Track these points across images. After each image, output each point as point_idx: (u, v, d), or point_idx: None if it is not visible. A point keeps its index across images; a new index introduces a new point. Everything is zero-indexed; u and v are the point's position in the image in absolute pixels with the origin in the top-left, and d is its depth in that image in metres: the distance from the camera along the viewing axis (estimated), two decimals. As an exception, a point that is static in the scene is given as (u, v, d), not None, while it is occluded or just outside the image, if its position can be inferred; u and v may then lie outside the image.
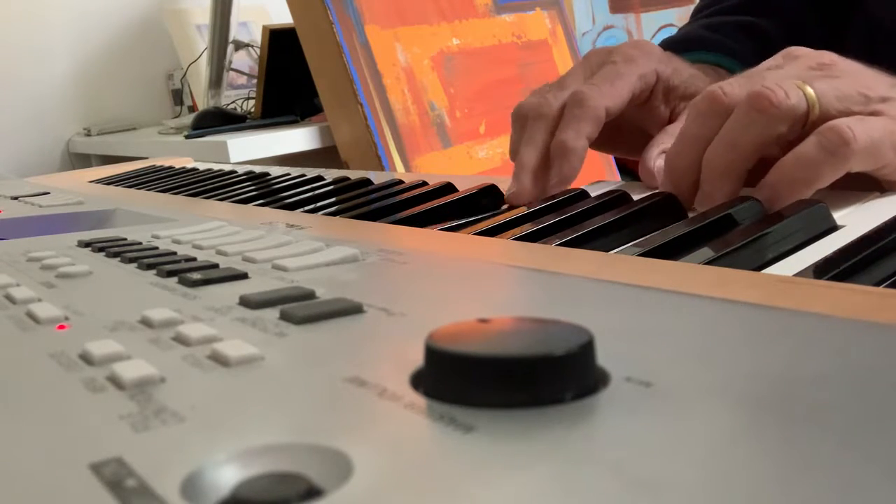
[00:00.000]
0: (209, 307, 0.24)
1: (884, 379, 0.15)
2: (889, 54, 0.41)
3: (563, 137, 0.46)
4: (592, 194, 0.43)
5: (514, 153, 0.49)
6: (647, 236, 0.35)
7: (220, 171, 0.78)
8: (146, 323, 0.22)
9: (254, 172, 0.73)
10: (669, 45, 0.60)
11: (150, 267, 0.30)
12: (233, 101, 1.73)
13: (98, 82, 1.93)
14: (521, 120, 0.49)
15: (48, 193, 0.65)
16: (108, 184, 0.78)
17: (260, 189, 0.63)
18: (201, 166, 0.86)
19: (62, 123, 1.89)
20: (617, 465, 0.12)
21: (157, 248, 0.35)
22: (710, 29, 0.64)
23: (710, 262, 0.29)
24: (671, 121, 0.50)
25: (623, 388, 0.15)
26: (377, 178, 0.60)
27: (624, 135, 0.54)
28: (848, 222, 0.34)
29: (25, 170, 1.66)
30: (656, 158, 0.46)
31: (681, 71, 0.52)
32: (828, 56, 0.40)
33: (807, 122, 0.37)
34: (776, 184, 0.36)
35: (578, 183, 0.47)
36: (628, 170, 1.38)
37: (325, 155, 1.36)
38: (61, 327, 0.23)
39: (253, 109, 1.58)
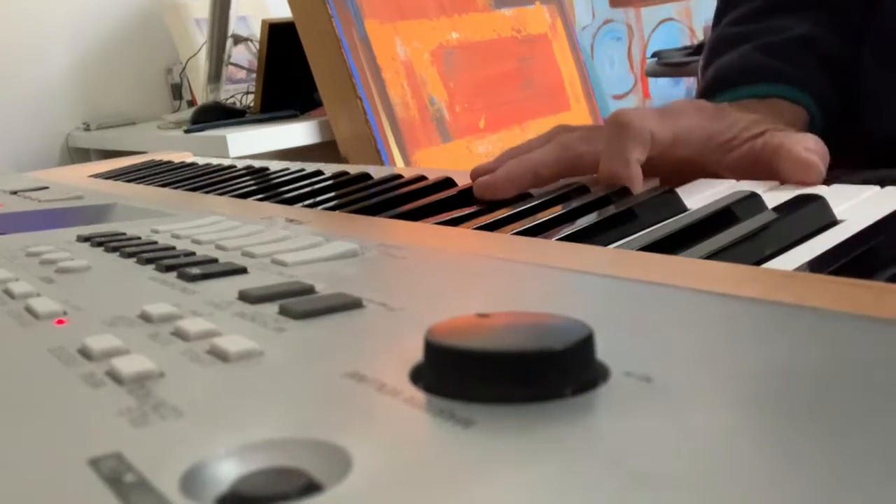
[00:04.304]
0: (208, 302, 0.24)
1: (883, 374, 0.15)
2: None
3: (611, 169, 0.42)
4: (592, 189, 0.43)
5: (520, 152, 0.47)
6: (647, 231, 0.35)
7: (219, 165, 0.78)
8: (145, 318, 0.22)
9: (253, 167, 0.73)
10: (722, 79, 0.55)
11: (149, 262, 0.30)
12: (232, 96, 1.73)
13: (97, 77, 1.93)
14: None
15: (47, 188, 0.65)
16: (108, 178, 0.78)
17: (259, 184, 0.63)
18: (200, 161, 0.86)
19: (61, 118, 1.89)
20: (616, 460, 0.12)
21: (156, 242, 0.35)
22: (767, 54, 0.56)
23: (709, 257, 0.29)
24: (751, 158, 0.45)
25: (623, 383, 0.15)
26: (376, 172, 0.60)
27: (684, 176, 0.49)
28: (848, 217, 0.34)
29: (24, 164, 1.65)
30: (806, 152, 0.42)
31: (737, 122, 0.46)
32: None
33: None
34: None
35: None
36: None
37: (325, 149, 1.36)
38: (60, 322, 0.23)
39: (252, 104, 1.58)
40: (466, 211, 0.43)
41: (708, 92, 0.56)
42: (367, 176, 0.59)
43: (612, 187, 0.42)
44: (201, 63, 1.73)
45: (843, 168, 0.44)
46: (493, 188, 0.45)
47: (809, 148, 0.42)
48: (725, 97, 0.53)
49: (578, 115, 1.56)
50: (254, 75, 1.66)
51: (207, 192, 0.61)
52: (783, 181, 0.42)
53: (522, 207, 0.41)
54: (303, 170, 0.66)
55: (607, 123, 0.44)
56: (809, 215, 0.34)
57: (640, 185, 0.42)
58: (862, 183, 0.39)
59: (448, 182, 0.51)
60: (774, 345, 0.17)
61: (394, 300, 0.23)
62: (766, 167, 0.43)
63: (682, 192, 0.40)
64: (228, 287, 0.25)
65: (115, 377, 0.18)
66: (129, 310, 0.23)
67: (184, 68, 1.84)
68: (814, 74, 0.55)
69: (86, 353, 0.19)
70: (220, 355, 0.19)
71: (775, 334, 0.18)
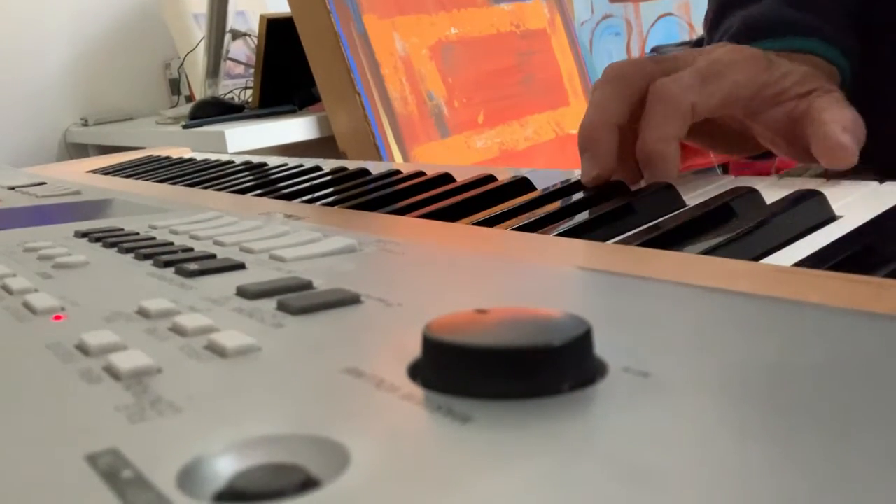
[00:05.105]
0: (206, 297, 0.24)
1: (881, 369, 0.15)
2: None
3: (648, 144, 0.40)
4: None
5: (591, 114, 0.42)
6: (646, 226, 0.35)
7: (217, 161, 0.78)
8: (143, 313, 0.22)
9: (251, 162, 0.73)
10: (752, 28, 0.51)
11: (147, 257, 0.30)
12: (230, 91, 1.73)
13: (95, 72, 1.92)
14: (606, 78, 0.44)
15: (45, 183, 0.65)
16: (106, 174, 0.78)
17: (257, 179, 0.63)
18: (199, 156, 0.86)
19: (59, 113, 1.89)
20: (614, 456, 0.12)
21: (154, 238, 0.35)
22: (796, 7, 0.52)
23: (708, 252, 0.29)
24: (792, 118, 0.42)
25: (621, 379, 0.15)
26: (375, 168, 0.60)
27: (725, 133, 0.47)
28: (846, 212, 0.34)
29: (22, 160, 1.65)
30: (843, 134, 0.39)
31: (789, 74, 0.43)
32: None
33: None
34: None
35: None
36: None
37: (323, 145, 1.35)
38: (58, 318, 0.23)
39: (251, 99, 1.58)
40: (465, 206, 0.43)
41: (736, 41, 0.51)
42: (365, 171, 0.59)
43: (647, 164, 0.40)
44: (199, 58, 1.73)
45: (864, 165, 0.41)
46: (590, 177, 0.42)
47: (847, 128, 0.39)
48: (756, 48, 0.49)
49: (577, 110, 1.56)
50: (252, 70, 1.65)
51: (206, 188, 0.60)
52: (814, 157, 0.40)
53: (521, 202, 0.41)
54: (301, 165, 0.66)
55: (649, 95, 0.41)
56: (808, 211, 0.34)
57: (676, 164, 0.40)
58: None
59: (447, 177, 0.51)
60: (773, 340, 0.17)
61: (392, 296, 0.23)
62: (802, 133, 0.41)
63: (680, 187, 0.39)
64: (226, 283, 0.25)
65: (112, 373, 0.17)
66: (127, 305, 0.23)
67: (182, 63, 1.84)
68: (844, 32, 0.51)
69: (83, 349, 0.19)
70: (218, 351, 0.19)
71: (774, 330, 0.18)
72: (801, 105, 0.42)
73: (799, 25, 0.51)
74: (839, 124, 0.39)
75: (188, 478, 0.13)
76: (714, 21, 0.58)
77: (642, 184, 0.42)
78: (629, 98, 0.42)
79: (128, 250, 0.32)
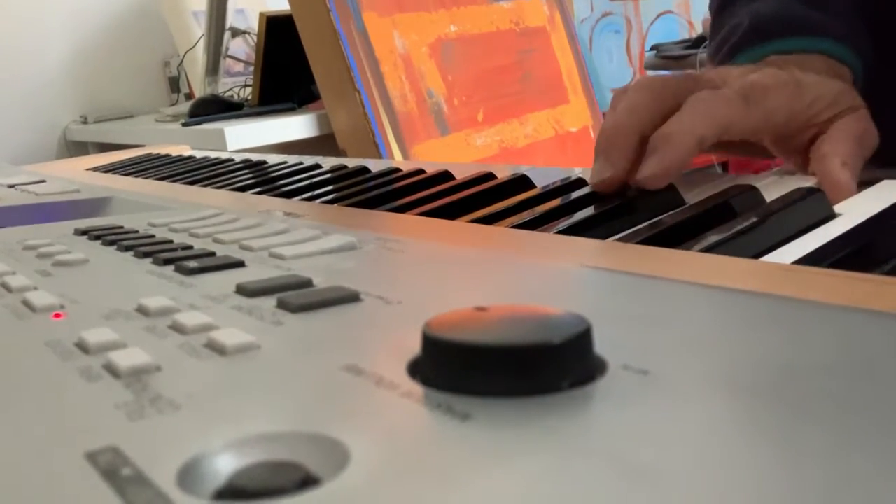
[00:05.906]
0: (205, 295, 0.24)
1: (882, 367, 0.15)
2: None
3: (669, 127, 0.38)
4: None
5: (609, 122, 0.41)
6: (646, 224, 0.35)
7: (217, 158, 0.78)
8: (142, 311, 0.22)
9: (251, 160, 0.73)
10: (763, 30, 0.50)
11: (146, 255, 0.30)
12: (230, 89, 1.73)
13: (95, 70, 1.92)
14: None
15: (44, 181, 0.65)
16: (105, 172, 0.78)
17: (257, 177, 0.63)
18: (198, 154, 0.86)
19: (59, 111, 1.89)
20: (614, 454, 0.12)
21: (153, 236, 0.35)
22: (806, 4, 0.51)
23: (708, 250, 0.29)
24: (809, 143, 0.41)
25: (620, 377, 0.15)
26: (375, 165, 0.60)
27: (736, 144, 0.45)
28: (846, 210, 0.34)
29: (22, 158, 1.65)
30: (841, 170, 0.38)
31: (818, 100, 0.42)
32: None
33: None
34: None
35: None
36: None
37: (323, 142, 1.35)
38: (57, 316, 0.23)
39: (250, 97, 1.58)
40: (465, 204, 0.43)
41: (745, 43, 0.51)
42: (365, 169, 0.59)
43: (654, 149, 0.38)
44: (199, 56, 1.72)
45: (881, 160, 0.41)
46: (600, 179, 0.40)
47: (847, 162, 0.39)
48: (767, 49, 0.49)
49: (577, 108, 1.56)
50: (251, 68, 1.65)
51: (205, 186, 0.60)
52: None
53: (521, 200, 0.41)
54: (301, 163, 0.66)
55: (688, 100, 0.39)
56: (808, 209, 0.34)
57: (681, 158, 0.38)
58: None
59: (446, 175, 0.51)
60: (773, 338, 0.17)
61: (391, 293, 0.23)
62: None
63: (680, 185, 0.39)
64: (226, 280, 0.25)
65: (112, 371, 0.17)
66: (127, 303, 0.23)
67: (181, 61, 1.84)
68: (856, 30, 0.50)
69: (83, 347, 0.19)
70: (218, 349, 0.19)
71: (774, 327, 0.18)
72: (824, 129, 0.41)
73: (810, 25, 0.49)
74: (839, 158, 0.39)
75: (188, 475, 0.13)
76: (720, 8, 0.56)
77: (648, 169, 0.39)
78: (662, 107, 0.40)
79: (127, 248, 0.32)
